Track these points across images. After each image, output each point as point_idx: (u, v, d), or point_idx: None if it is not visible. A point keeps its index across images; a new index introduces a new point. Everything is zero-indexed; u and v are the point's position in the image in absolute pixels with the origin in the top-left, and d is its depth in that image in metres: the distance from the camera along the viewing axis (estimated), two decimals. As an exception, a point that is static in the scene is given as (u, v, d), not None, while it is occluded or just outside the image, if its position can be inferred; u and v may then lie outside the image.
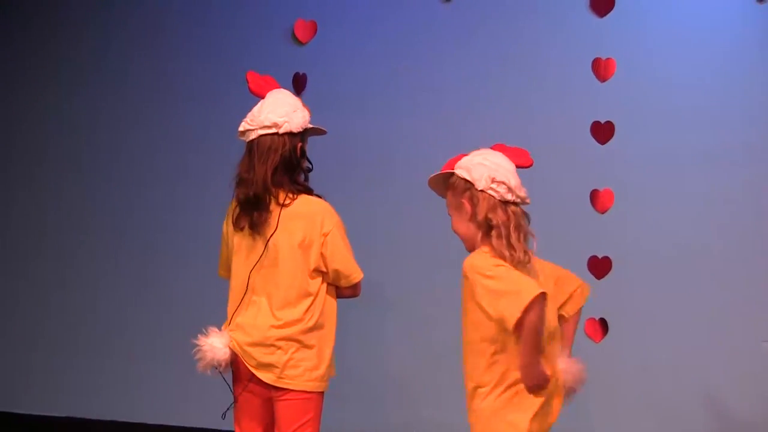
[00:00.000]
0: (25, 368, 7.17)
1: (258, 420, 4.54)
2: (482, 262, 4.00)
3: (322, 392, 4.51)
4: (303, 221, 4.39)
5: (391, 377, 6.50)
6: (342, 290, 4.54)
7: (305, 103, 4.65)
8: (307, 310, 4.42)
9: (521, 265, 4.03)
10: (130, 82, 7.01)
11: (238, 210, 4.45)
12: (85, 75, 7.10)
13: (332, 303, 4.51)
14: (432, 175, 4.20)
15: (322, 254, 4.40)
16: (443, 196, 4.22)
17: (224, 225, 4.58)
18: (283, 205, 4.38)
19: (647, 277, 6.15)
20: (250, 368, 4.43)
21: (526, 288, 3.90)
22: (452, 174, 4.15)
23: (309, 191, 4.47)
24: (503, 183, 4.08)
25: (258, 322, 4.42)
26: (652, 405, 6.20)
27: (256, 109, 4.48)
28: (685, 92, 6.11)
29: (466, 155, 4.19)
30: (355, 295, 4.60)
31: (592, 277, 6.12)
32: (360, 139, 6.53)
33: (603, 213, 6.18)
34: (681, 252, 6.13)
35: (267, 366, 4.41)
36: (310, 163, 4.51)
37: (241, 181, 4.44)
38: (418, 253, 6.40)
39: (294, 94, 4.67)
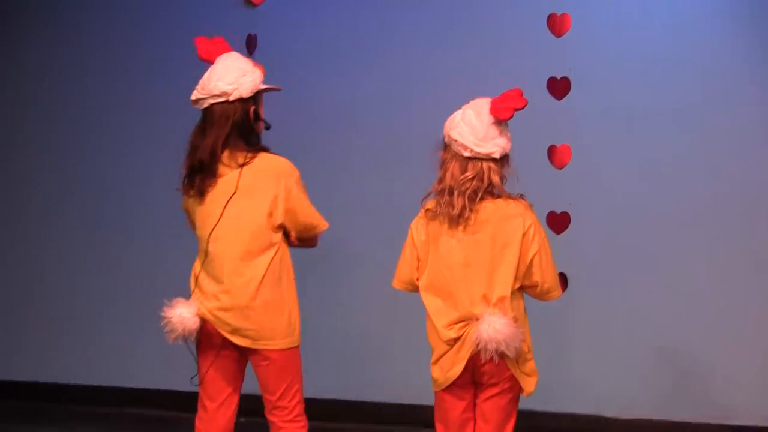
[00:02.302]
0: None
1: (227, 382, 4.52)
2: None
3: (299, 346, 4.51)
4: (264, 178, 4.37)
5: (355, 335, 6.52)
6: (301, 241, 4.53)
7: (258, 62, 4.61)
8: (274, 268, 4.40)
9: (452, 220, 4.15)
10: (85, 54, 6.96)
11: (187, 177, 4.43)
12: (51, 50, 7.05)
13: (290, 258, 4.50)
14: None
15: (286, 209, 4.39)
16: None
17: (182, 196, 4.54)
18: (243, 165, 4.36)
19: (606, 231, 6.20)
20: (224, 334, 4.40)
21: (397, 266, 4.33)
22: None
23: (266, 150, 4.45)
24: (457, 140, 4.14)
25: (227, 287, 4.39)
26: (608, 358, 6.27)
27: (205, 76, 4.42)
28: (642, 46, 6.13)
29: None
30: (313, 246, 4.59)
31: (551, 232, 6.15)
32: (314, 99, 6.51)
33: (561, 168, 6.20)
34: (638, 207, 6.17)
35: (243, 330, 4.38)
36: (266, 122, 4.49)
37: (192, 149, 4.41)
38: (377, 210, 6.42)
39: (246, 55, 4.63)
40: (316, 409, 4.75)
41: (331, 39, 6.54)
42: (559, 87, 6.17)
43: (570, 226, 6.17)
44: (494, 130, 4.20)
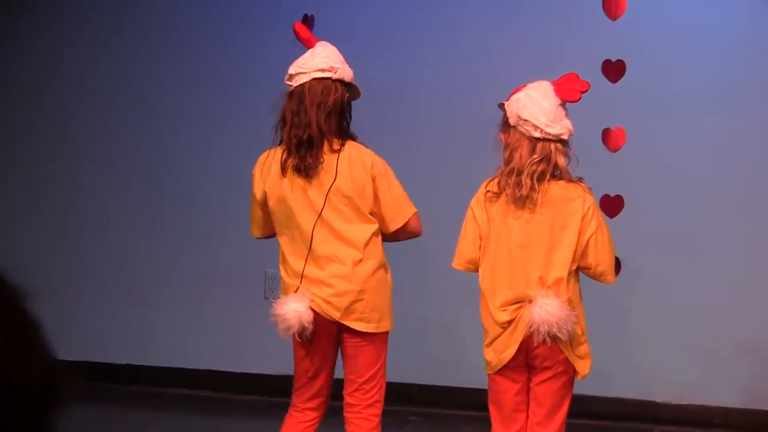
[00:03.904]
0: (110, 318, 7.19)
1: (325, 359, 4.52)
2: (480, 189, 4.27)
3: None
4: (357, 166, 4.37)
5: (410, 317, 6.50)
6: (399, 233, 4.51)
7: None
8: (373, 253, 4.41)
9: (518, 201, 4.15)
10: (146, 34, 6.98)
11: (285, 155, 4.36)
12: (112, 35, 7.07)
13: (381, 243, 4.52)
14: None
15: (376, 196, 4.39)
16: None
17: (255, 181, 4.47)
18: (338, 152, 4.35)
19: (660, 215, 6.18)
20: (336, 319, 4.37)
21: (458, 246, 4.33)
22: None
23: (354, 138, 4.45)
24: (528, 121, 4.12)
25: (333, 272, 4.38)
26: (660, 343, 6.24)
27: (308, 54, 4.42)
28: (698, 29, 6.08)
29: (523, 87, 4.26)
30: (416, 233, 4.57)
31: (605, 215, 6.11)
32: (372, 80, 6.49)
33: (615, 152, 6.15)
34: (693, 190, 6.14)
35: (352, 313, 4.37)
36: (350, 116, 4.48)
37: (291, 126, 4.35)
38: (435, 189, 6.41)
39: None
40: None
41: (389, 19, 6.53)
42: (614, 69, 6.11)
43: (624, 209, 6.14)
44: (561, 112, 4.21)
